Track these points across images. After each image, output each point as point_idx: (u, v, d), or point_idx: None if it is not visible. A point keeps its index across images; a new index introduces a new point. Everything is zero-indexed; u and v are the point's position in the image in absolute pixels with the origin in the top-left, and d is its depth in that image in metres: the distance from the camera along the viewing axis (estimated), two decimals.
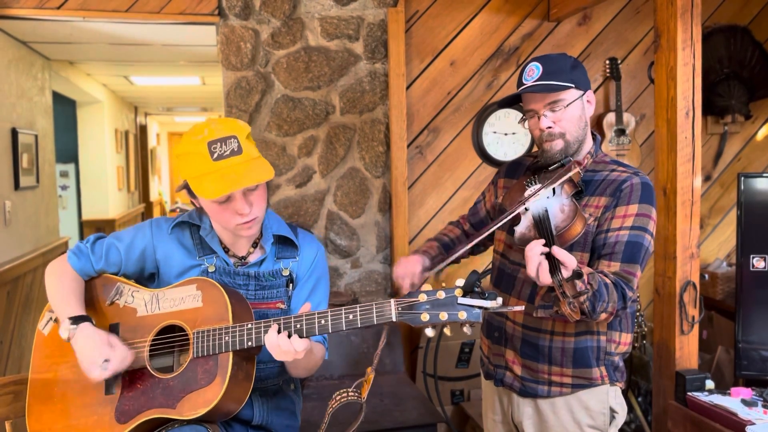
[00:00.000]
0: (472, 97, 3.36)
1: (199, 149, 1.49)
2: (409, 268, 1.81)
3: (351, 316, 1.41)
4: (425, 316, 1.36)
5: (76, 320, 1.53)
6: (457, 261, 1.85)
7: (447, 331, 1.38)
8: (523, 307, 1.47)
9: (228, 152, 1.49)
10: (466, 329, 1.37)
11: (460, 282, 1.37)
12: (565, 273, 1.41)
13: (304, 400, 2.66)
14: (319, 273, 1.73)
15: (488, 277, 2.04)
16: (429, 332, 1.38)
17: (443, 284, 1.41)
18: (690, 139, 2.31)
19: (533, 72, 1.67)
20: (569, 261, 1.43)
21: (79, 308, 1.56)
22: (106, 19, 3.01)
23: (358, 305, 1.42)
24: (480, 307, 1.35)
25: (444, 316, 1.35)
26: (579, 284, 1.40)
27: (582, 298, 1.43)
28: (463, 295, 1.35)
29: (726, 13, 3.59)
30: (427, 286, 1.39)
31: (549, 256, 1.44)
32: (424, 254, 1.89)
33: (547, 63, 1.68)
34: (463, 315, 1.35)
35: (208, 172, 1.48)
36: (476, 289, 1.35)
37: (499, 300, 1.35)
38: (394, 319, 1.39)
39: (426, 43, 3.29)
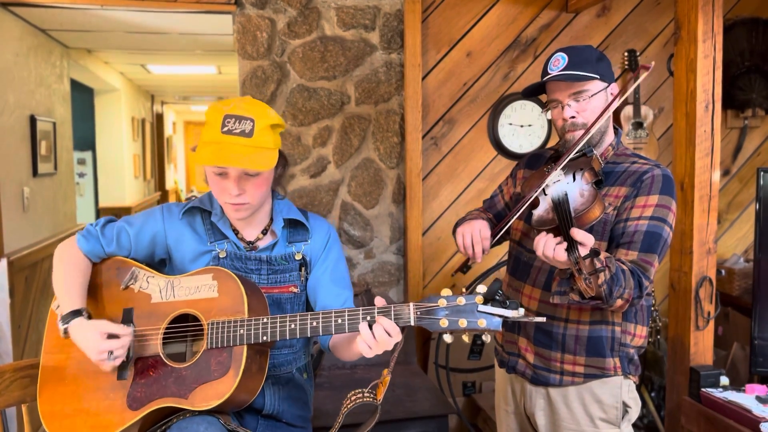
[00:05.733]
0: (488, 88, 3.34)
1: (216, 118, 1.52)
2: (477, 235, 1.77)
3: (369, 318, 1.41)
4: (444, 322, 1.35)
5: (66, 318, 1.53)
6: (498, 242, 1.84)
7: (465, 338, 1.37)
8: (543, 319, 1.46)
9: (238, 131, 1.50)
10: (485, 337, 1.36)
11: (482, 289, 1.36)
12: (583, 251, 1.42)
13: (317, 388, 2.68)
14: (335, 253, 1.73)
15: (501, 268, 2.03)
16: (447, 338, 1.37)
17: (463, 290, 1.40)
18: (709, 133, 2.28)
19: (559, 62, 1.68)
20: (587, 240, 1.43)
21: (75, 301, 1.56)
22: (123, 7, 3.03)
23: (375, 307, 1.41)
24: (500, 316, 1.34)
25: (463, 323, 1.34)
26: (596, 263, 1.40)
27: (600, 279, 1.43)
28: (484, 303, 1.35)
29: (749, 6, 3.53)
30: (447, 291, 1.38)
31: (567, 237, 1.46)
32: (479, 218, 1.85)
33: (573, 54, 1.68)
34: (483, 323, 1.34)
35: (212, 142, 1.51)
36: (497, 298, 1.34)
37: (521, 310, 1.35)
38: (412, 323, 1.38)
39: (442, 34, 3.27)
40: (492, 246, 1.81)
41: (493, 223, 1.92)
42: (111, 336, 1.49)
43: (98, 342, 1.48)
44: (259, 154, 1.51)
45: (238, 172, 1.53)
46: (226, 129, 1.50)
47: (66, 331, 1.53)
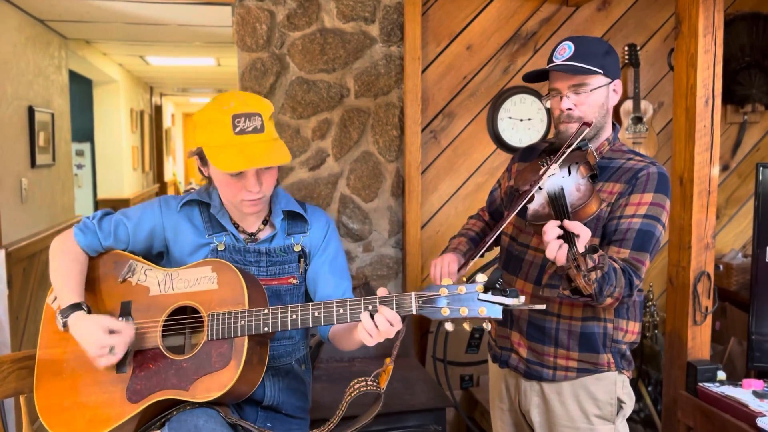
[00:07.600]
0: (488, 82, 3.33)
1: (223, 120, 1.50)
2: (445, 268, 1.80)
3: (371, 307, 1.41)
4: (445, 311, 1.36)
5: (66, 312, 1.52)
6: (482, 255, 1.84)
7: (466, 326, 1.38)
8: (544, 306, 1.46)
9: (251, 129, 1.49)
10: (485, 325, 1.37)
11: (482, 278, 1.36)
12: (580, 245, 1.41)
13: (315, 381, 2.68)
14: (334, 244, 1.73)
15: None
16: (448, 327, 1.38)
17: (463, 279, 1.41)
18: (709, 128, 2.28)
19: (565, 51, 1.66)
20: (584, 232, 1.42)
21: (74, 295, 1.55)
22: None
23: (377, 297, 1.41)
24: (501, 304, 1.35)
25: (464, 311, 1.35)
26: (596, 257, 1.39)
27: (592, 277, 1.42)
28: (485, 291, 1.35)
29: (749, 0, 3.52)
30: (447, 281, 1.39)
31: (563, 232, 1.44)
32: (455, 251, 1.88)
33: (581, 44, 1.65)
34: (483, 311, 1.35)
35: (228, 145, 1.49)
36: (498, 286, 1.35)
37: (522, 298, 1.36)
38: (414, 312, 1.39)
39: (442, 27, 3.26)
40: (477, 257, 1.81)
41: (474, 243, 1.94)
42: (112, 332, 1.48)
43: (100, 337, 1.46)
44: (274, 147, 1.51)
45: (257, 168, 1.52)
46: (238, 129, 1.49)
47: (65, 325, 1.52)
